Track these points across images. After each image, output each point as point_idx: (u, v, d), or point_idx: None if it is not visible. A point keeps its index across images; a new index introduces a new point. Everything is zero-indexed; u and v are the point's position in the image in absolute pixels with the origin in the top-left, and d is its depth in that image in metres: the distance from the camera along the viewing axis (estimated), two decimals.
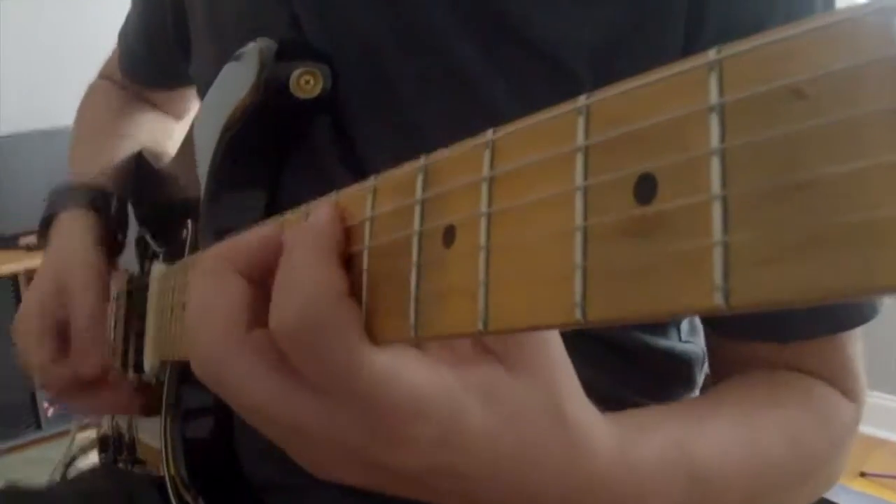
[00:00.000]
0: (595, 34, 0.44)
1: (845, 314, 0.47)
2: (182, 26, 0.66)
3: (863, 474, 2.17)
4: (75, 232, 0.69)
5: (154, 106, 0.87)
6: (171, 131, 0.88)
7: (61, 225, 0.70)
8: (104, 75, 0.89)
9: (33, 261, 2.29)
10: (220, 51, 0.54)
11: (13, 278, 2.40)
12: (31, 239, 2.45)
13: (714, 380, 0.54)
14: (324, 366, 0.28)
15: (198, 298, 0.32)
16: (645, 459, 0.35)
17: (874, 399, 2.33)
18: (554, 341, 0.31)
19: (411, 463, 0.29)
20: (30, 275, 2.37)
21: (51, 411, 2.59)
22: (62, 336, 0.65)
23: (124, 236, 0.74)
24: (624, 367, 0.52)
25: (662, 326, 0.53)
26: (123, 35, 0.82)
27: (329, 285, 0.28)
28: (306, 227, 0.29)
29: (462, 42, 0.47)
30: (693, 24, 0.44)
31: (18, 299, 2.43)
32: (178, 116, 0.89)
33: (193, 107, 0.87)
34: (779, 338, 0.48)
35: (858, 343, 0.49)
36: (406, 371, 0.28)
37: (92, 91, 0.89)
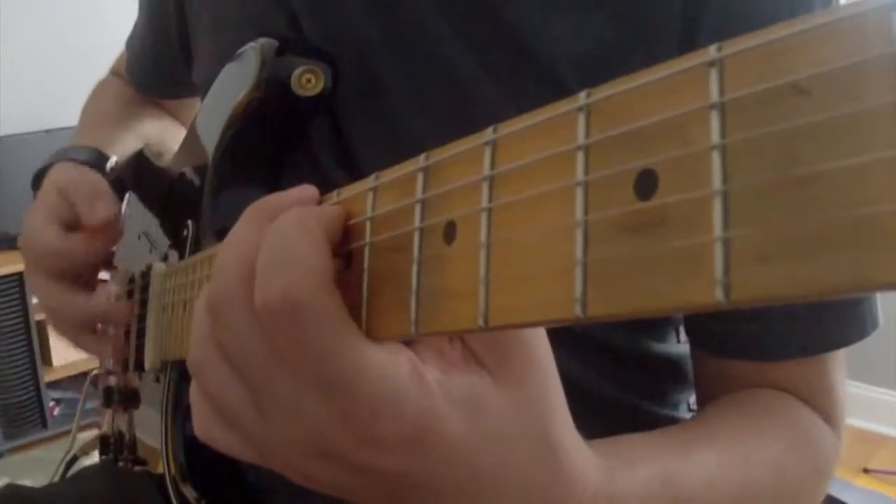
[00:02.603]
0: (583, 45, 0.45)
1: (829, 335, 0.47)
2: (185, 33, 0.66)
3: (866, 470, 2.18)
4: (74, 168, 0.68)
5: (164, 110, 0.87)
6: (177, 135, 0.88)
7: (57, 169, 0.69)
8: (115, 72, 0.89)
9: None
10: (220, 50, 0.54)
11: (17, 277, 2.40)
12: None
13: (698, 397, 0.54)
14: (306, 348, 0.27)
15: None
16: (630, 494, 0.35)
17: (878, 395, 2.33)
18: (545, 357, 0.30)
19: (381, 462, 0.28)
20: None
21: (56, 410, 2.59)
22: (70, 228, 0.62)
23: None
24: (621, 369, 0.52)
25: (661, 329, 0.53)
26: (130, 43, 0.82)
27: (318, 269, 0.27)
28: (304, 209, 0.29)
29: (455, 47, 0.47)
30: (689, 34, 0.44)
31: (23, 298, 2.43)
32: (185, 123, 0.89)
33: None
34: (763, 356, 0.48)
35: (842, 370, 0.49)
36: (390, 366, 0.27)
37: (102, 85, 0.89)
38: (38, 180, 0.70)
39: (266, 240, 0.28)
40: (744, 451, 0.43)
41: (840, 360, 0.49)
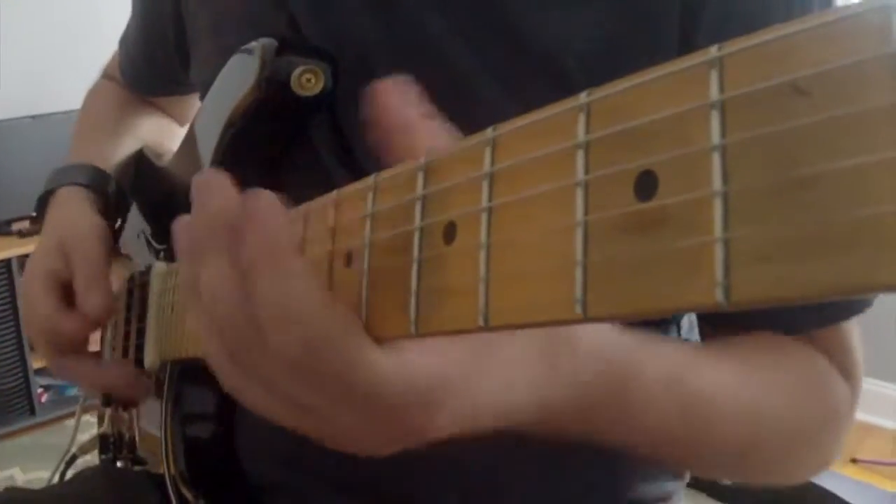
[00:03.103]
0: (585, 36, 0.45)
1: (842, 305, 0.47)
2: (182, 34, 0.66)
3: (854, 461, 2.17)
4: (75, 203, 0.69)
5: (158, 108, 0.87)
6: (174, 134, 0.87)
7: (60, 198, 0.70)
8: (107, 75, 0.89)
9: (26, 247, 2.28)
10: (220, 51, 0.54)
11: (6, 264, 2.39)
12: (24, 224, 2.44)
13: None
14: (331, 382, 0.28)
15: None
16: (644, 369, 0.36)
17: (867, 385, 2.32)
18: None
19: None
20: (22, 261, 2.36)
21: (44, 397, 2.58)
22: (67, 292, 0.63)
23: (123, 222, 0.73)
24: None
25: (662, 324, 0.54)
26: (123, 42, 0.82)
27: (319, 304, 0.27)
28: (262, 241, 0.28)
29: (455, 46, 0.47)
30: (688, 28, 0.44)
31: (11, 285, 2.41)
32: (181, 121, 0.89)
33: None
34: (780, 329, 0.48)
35: (855, 331, 0.49)
36: (409, 364, 0.28)
37: (95, 91, 0.89)
38: (42, 205, 0.71)
39: (256, 295, 0.28)
40: (755, 370, 0.43)
41: (853, 328, 0.49)
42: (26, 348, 2.47)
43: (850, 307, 0.48)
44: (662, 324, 0.54)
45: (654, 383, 0.37)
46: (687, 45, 0.43)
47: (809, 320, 0.47)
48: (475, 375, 0.31)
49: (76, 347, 0.62)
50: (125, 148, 0.78)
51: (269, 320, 0.28)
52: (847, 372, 0.48)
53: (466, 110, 0.47)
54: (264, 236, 0.28)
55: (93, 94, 0.88)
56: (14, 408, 2.50)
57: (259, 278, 0.28)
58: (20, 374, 2.49)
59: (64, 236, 0.65)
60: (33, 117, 2.53)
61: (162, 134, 0.84)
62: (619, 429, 0.37)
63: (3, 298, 2.43)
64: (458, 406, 0.30)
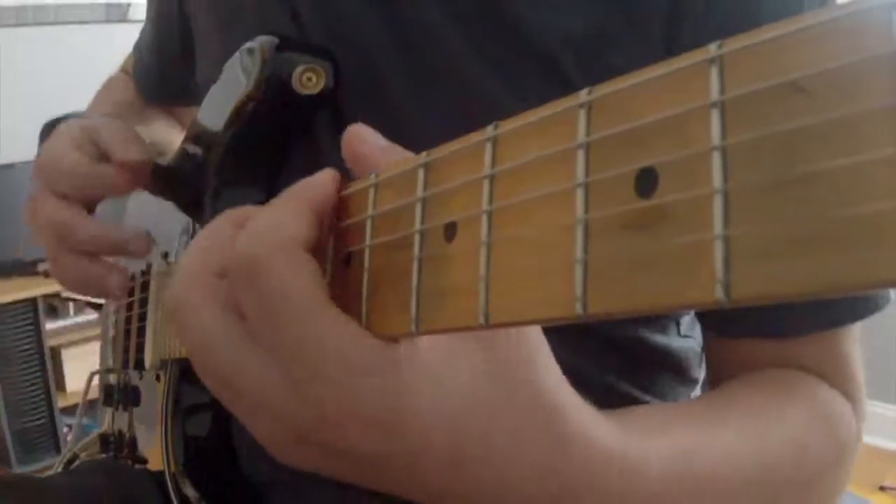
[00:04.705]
0: (577, 23, 0.45)
1: (842, 309, 0.47)
2: (187, 35, 0.66)
3: (882, 488, 2.15)
4: (95, 116, 0.64)
5: (170, 112, 0.87)
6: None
7: (73, 118, 0.63)
8: (125, 69, 0.89)
9: (51, 286, 2.26)
10: (221, 49, 0.54)
11: (31, 303, 2.40)
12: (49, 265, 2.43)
13: (711, 380, 0.53)
14: (264, 310, 0.28)
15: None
16: (646, 461, 0.34)
17: (893, 413, 2.32)
18: None
19: (356, 445, 0.28)
20: (48, 300, 2.39)
21: (70, 436, 2.58)
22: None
23: None
24: (621, 361, 0.52)
25: (661, 321, 0.53)
26: (137, 48, 0.82)
27: (287, 234, 0.28)
28: (297, 184, 0.30)
29: (456, 41, 0.47)
30: (671, 30, 0.44)
31: (36, 324, 2.42)
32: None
33: None
34: (777, 333, 0.47)
35: (856, 344, 0.49)
36: (350, 340, 0.27)
37: (111, 82, 0.89)
38: (48, 132, 0.64)
39: (260, 209, 0.30)
40: (763, 428, 0.42)
41: (854, 338, 0.48)
42: (52, 387, 2.48)
43: (846, 313, 0.47)
44: (660, 322, 0.54)
45: (654, 468, 0.34)
46: (673, 37, 0.43)
47: (806, 322, 0.47)
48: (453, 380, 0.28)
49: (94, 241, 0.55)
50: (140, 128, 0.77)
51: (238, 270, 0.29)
52: (849, 395, 0.48)
53: (467, 106, 0.47)
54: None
55: (108, 85, 0.88)
56: (40, 446, 2.50)
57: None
58: (45, 413, 2.50)
59: (88, 123, 0.58)
60: None
61: (167, 134, 0.84)
62: None
63: (28, 337, 2.43)
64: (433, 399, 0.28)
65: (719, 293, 0.17)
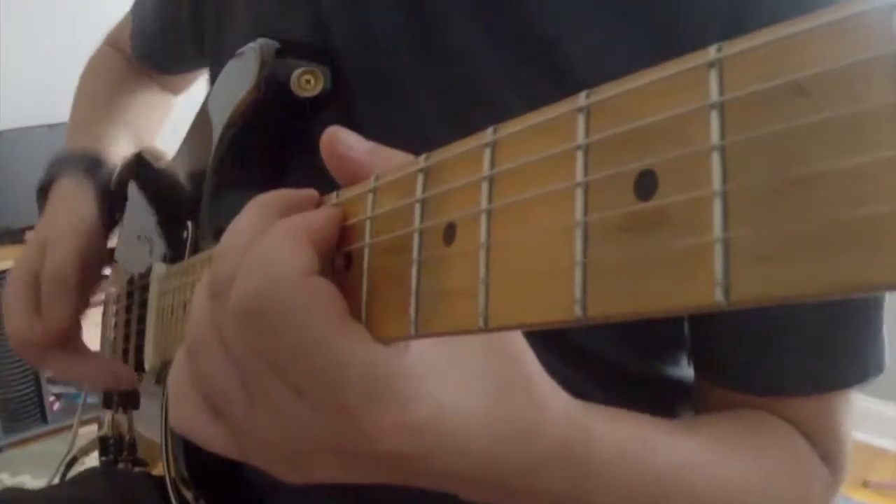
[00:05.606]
0: (616, 63, 0.43)
1: (836, 373, 0.46)
2: (198, 15, 0.66)
3: (866, 484, 2.15)
4: (69, 195, 0.70)
5: (153, 80, 0.88)
6: (170, 107, 0.90)
7: (56, 190, 0.71)
8: (111, 42, 0.90)
9: None
10: (251, 24, 0.55)
11: None
12: None
13: (696, 410, 0.53)
14: (281, 347, 0.27)
15: None
16: (605, 439, 0.34)
17: (879, 408, 2.31)
18: None
19: (377, 449, 0.28)
20: None
21: (56, 405, 2.58)
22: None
23: (121, 213, 0.74)
24: (633, 393, 0.51)
25: (672, 353, 0.53)
26: (137, 12, 0.82)
27: (291, 264, 0.27)
28: (296, 218, 0.29)
29: (485, 58, 0.46)
30: None
31: None
32: (176, 92, 0.91)
33: (193, 83, 0.89)
34: (771, 390, 0.47)
35: (850, 418, 0.48)
36: (369, 356, 0.27)
37: (96, 59, 0.90)
38: (42, 193, 0.72)
39: (255, 244, 0.28)
40: (731, 454, 0.42)
41: (849, 408, 0.48)
42: None
43: (838, 379, 0.46)
44: (672, 355, 0.52)
45: (613, 444, 0.34)
46: None
47: (795, 383, 0.46)
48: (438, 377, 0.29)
49: (46, 351, 0.63)
50: (118, 134, 0.80)
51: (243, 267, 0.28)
52: (831, 458, 0.47)
53: (485, 113, 0.47)
54: None
55: (94, 63, 0.90)
56: (26, 415, 2.51)
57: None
58: (32, 382, 2.50)
59: (47, 235, 0.66)
60: (50, 126, 2.52)
61: (159, 112, 0.86)
62: (566, 488, 0.34)
63: None
64: (416, 405, 0.28)
65: (719, 295, 0.16)
